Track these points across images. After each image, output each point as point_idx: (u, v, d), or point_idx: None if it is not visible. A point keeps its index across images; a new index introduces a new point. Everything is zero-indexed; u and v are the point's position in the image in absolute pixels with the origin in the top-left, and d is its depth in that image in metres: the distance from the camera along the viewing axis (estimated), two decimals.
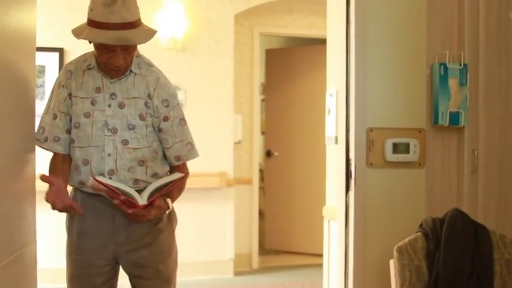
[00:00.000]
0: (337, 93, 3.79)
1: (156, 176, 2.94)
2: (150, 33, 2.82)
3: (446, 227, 3.22)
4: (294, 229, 8.17)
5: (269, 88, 8.52)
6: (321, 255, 4.46)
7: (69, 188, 2.93)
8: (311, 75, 7.87)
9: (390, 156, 3.51)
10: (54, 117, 2.89)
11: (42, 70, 5.50)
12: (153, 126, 2.92)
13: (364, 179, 3.50)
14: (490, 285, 3.20)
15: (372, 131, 3.49)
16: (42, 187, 2.77)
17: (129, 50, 2.77)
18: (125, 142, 2.86)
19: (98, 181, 2.67)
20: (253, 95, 7.51)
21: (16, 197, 2.53)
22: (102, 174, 2.84)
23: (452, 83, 3.55)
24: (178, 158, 3.00)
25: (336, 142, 3.79)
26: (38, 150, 2.84)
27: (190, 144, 3.03)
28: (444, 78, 3.53)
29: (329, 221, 4.14)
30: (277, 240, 8.31)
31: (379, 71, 3.54)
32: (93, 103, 2.85)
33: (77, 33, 2.78)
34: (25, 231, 2.63)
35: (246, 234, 7.35)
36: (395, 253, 3.20)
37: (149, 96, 2.89)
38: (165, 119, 2.93)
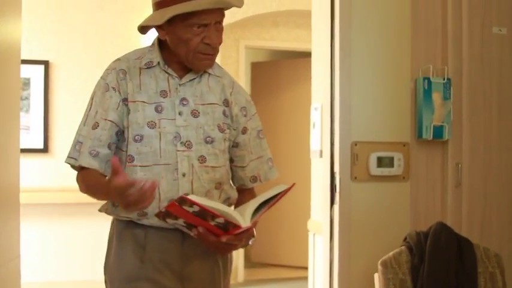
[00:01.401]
0: (322, 107, 3.80)
1: (227, 201, 2.42)
2: None
3: (431, 240, 3.23)
4: (280, 242, 8.17)
5: (255, 101, 8.43)
6: (306, 268, 4.46)
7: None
8: (296, 89, 7.90)
9: (375, 170, 3.52)
10: (95, 126, 2.30)
11: (27, 83, 5.48)
12: (229, 140, 2.42)
13: (349, 193, 3.51)
14: None
15: (356, 145, 3.51)
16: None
17: (221, 23, 2.29)
18: (202, 159, 2.31)
19: (179, 205, 2.05)
20: None
21: None
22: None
23: (436, 97, 3.57)
24: (254, 179, 2.49)
25: (321, 156, 3.80)
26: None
27: (271, 160, 2.54)
28: (428, 92, 3.55)
29: (314, 235, 4.14)
30: (263, 253, 8.30)
31: (363, 85, 3.55)
32: (158, 110, 2.29)
33: (157, 19, 2.26)
34: (9, 246, 2.61)
35: None
36: (379, 267, 3.20)
37: (226, 102, 2.40)
38: (244, 131, 2.44)
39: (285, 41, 7.41)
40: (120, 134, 2.32)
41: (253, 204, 2.17)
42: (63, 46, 5.38)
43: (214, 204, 2.10)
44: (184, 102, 2.32)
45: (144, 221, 2.28)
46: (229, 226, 2.08)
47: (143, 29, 2.33)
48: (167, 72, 2.33)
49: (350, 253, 3.51)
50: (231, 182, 2.46)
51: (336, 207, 3.52)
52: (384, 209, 3.56)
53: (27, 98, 5.56)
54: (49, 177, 5.31)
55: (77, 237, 5.35)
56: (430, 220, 3.48)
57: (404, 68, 3.61)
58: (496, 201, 3.72)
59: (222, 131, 2.35)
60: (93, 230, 5.28)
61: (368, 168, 3.52)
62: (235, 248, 2.23)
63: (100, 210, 2.41)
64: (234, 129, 2.41)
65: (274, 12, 6.53)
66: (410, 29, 3.62)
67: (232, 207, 2.42)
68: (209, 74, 2.38)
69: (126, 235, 2.32)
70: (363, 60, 3.56)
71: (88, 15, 5.42)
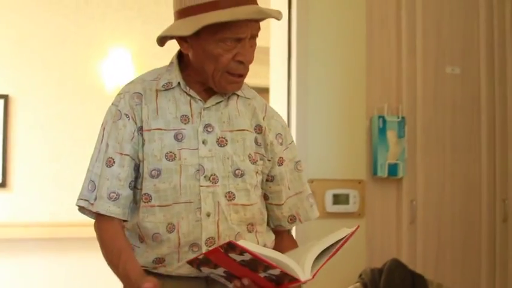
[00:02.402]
0: None
1: (265, 247, 1.96)
2: (273, 9, 1.99)
3: (385, 277, 3.27)
4: None
5: None
6: None
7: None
8: None
9: (330, 207, 3.55)
10: (110, 163, 1.94)
11: None
12: (263, 172, 2.04)
13: (305, 229, 3.53)
14: None
15: (312, 182, 3.54)
16: None
17: (255, 38, 1.95)
18: (230, 196, 1.94)
19: (224, 252, 1.67)
20: None
21: None
22: (195, 245, 1.92)
23: (391, 135, 3.63)
24: (293, 219, 2.11)
25: None
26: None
27: (311, 196, 2.15)
28: (383, 131, 3.61)
29: None
30: None
31: (319, 122, 3.60)
32: (178, 138, 1.93)
33: (186, 28, 1.88)
34: None
35: None
36: None
37: (259, 128, 2.02)
38: (280, 162, 2.05)
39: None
40: (136, 170, 1.97)
41: (313, 252, 1.76)
42: (23, 80, 5.36)
43: (268, 251, 1.72)
44: (209, 129, 1.95)
45: (161, 270, 1.95)
46: (284, 279, 1.70)
47: (162, 41, 1.99)
48: (189, 95, 1.97)
49: None
50: (266, 224, 2.09)
51: None
52: None
53: None
54: (7, 212, 5.26)
55: (37, 272, 5.29)
56: (385, 256, 3.52)
57: (359, 106, 3.66)
58: (450, 238, 3.78)
59: (253, 162, 1.98)
60: (57, 264, 5.24)
61: (324, 205, 3.55)
62: None
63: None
64: (269, 160, 2.03)
65: None
66: (365, 68, 3.68)
67: None
68: (238, 95, 2.03)
69: None
70: (319, 98, 3.61)
71: (49, 49, 5.41)
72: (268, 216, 2.09)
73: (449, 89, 3.82)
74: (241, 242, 1.64)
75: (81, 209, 1.98)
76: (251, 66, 1.96)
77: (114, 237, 1.93)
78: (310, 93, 3.60)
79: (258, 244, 1.96)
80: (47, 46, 5.45)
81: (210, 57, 1.89)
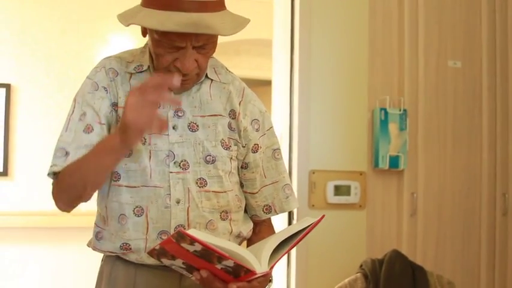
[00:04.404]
0: (281, 135, 3.85)
1: (240, 236, 1.99)
2: (240, 22, 1.80)
3: (385, 268, 3.29)
4: None
5: None
6: None
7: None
8: None
9: (332, 198, 3.57)
10: (89, 130, 1.85)
11: None
12: (237, 159, 1.98)
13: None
14: None
15: (314, 173, 3.56)
16: None
17: (205, 48, 1.80)
18: (202, 182, 1.88)
19: (176, 242, 1.56)
20: None
21: None
22: (164, 232, 1.84)
23: (392, 127, 3.64)
24: (268, 209, 2.03)
25: None
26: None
27: (288, 187, 2.05)
28: (384, 123, 3.63)
29: None
30: None
31: (321, 115, 3.62)
32: None
33: (127, 17, 1.80)
34: None
35: None
36: None
37: (233, 113, 1.95)
38: (255, 149, 1.98)
39: (247, 69, 7.45)
40: None
41: (272, 242, 1.67)
42: (25, 70, 5.37)
43: (221, 242, 1.59)
44: (180, 114, 1.89)
45: (131, 257, 1.87)
46: (240, 270, 1.61)
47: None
48: None
49: (307, 279, 3.55)
50: (244, 213, 2.03)
51: None
52: (340, 236, 3.61)
53: None
54: (8, 201, 5.27)
55: (38, 262, 5.31)
56: (386, 248, 3.54)
57: (361, 98, 3.68)
58: (450, 230, 3.79)
59: (226, 147, 1.91)
60: (57, 253, 5.26)
61: (325, 196, 3.57)
62: None
63: (88, 245, 2.00)
64: (243, 146, 1.95)
65: (237, 40, 6.57)
66: (367, 61, 3.70)
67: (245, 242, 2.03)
68: (212, 80, 1.96)
69: (115, 276, 1.88)
70: (322, 90, 3.63)
71: (50, 39, 5.42)
72: (246, 204, 2.02)
73: (450, 83, 3.83)
74: (190, 231, 1.53)
75: (53, 176, 1.87)
76: (253, 59, 1.94)
77: (78, 160, 1.81)
78: (312, 86, 3.61)
79: (232, 233, 1.93)
80: (49, 35, 5.46)
81: (153, 52, 1.83)
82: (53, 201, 1.89)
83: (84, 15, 5.52)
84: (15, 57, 5.39)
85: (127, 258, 1.87)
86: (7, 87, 5.34)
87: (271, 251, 1.65)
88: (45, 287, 5.30)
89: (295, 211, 3.51)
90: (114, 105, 1.88)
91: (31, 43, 5.42)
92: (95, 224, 1.96)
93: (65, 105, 5.40)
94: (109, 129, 1.88)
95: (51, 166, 1.85)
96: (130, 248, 1.85)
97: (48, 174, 1.87)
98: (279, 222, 3.60)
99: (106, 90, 1.89)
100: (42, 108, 5.41)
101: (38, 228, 5.24)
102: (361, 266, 3.38)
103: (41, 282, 5.31)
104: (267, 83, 6.42)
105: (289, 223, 3.55)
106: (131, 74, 1.91)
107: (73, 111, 1.89)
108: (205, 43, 1.78)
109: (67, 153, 1.82)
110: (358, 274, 3.32)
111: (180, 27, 1.66)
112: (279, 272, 3.72)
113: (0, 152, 5.32)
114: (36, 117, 5.40)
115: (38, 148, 5.31)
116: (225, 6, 1.81)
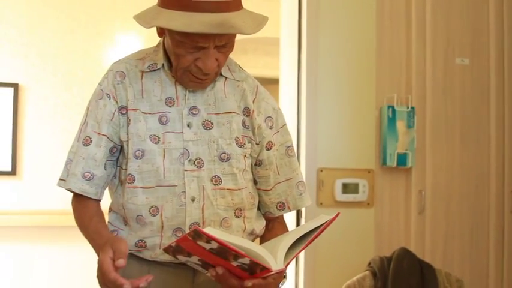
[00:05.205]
0: None
1: (253, 234, 2.00)
2: (260, 20, 1.82)
3: (394, 265, 3.29)
4: None
5: None
6: None
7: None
8: None
9: (340, 196, 3.57)
10: (87, 142, 1.91)
11: None
12: (251, 156, 1.98)
13: (313, 218, 3.54)
14: None
15: (322, 171, 3.56)
16: None
17: (226, 47, 1.82)
18: (217, 180, 1.89)
19: (192, 240, 1.57)
20: None
21: None
22: (179, 230, 1.87)
23: (400, 125, 3.64)
24: (282, 206, 2.05)
25: None
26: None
27: (302, 184, 2.07)
28: (392, 121, 3.62)
29: None
30: None
31: (329, 113, 3.62)
32: (163, 121, 1.88)
33: (147, 19, 1.77)
34: None
35: None
36: None
37: (247, 111, 1.95)
38: (269, 146, 1.98)
39: (254, 67, 7.44)
40: (117, 151, 1.94)
41: (287, 240, 1.68)
42: (32, 69, 5.38)
43: (237, 240, 1.60)
44: (195, 112, 1.89)
45: (146, 254, 1.90)
46: (256, 268, 1.61)
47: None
48: (174, 77, 1.90)
49: (315, 278, 3.55)
50: (257, 210, 2.04)
51: None
52: (348, 234, 3.61)
53: None
54: (17, 199, 5.29)
55: (46, 260, 5.33)
56: (394, 245, 3.54)
57: (369, 96, 3.68)
58: (458, 228, 3.79)
59: (241, 145, 1.91)
60: (65, 252, 5.27)
61: (333, 194, 3.57)
62: None
63: None
64: (257, 144, 1.96)
65: (244, 39, 6.58)
66: (375, 59, 3.69)
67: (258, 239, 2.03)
68: (226, 78, 1.97)
69: (128, 273, 1.79)
70: (329, 89, 3.63)
71: (58, 37, 5.43)
72: (259, 202, 2.04)
73: (458, 80, 3.82)
74: (207, 229, 1.53)
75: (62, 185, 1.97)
76: (260, 57, 1.95)
77: (87, 209, 1.92)
78: (320, 84, 3.61)
79: (245, 230, 1.95)
80: (56, 35, 5.47)
81: (173, 52, 1.82)
82: (60, 200, 1.90)
83: (91, 15, 5.53)
84: (22, 57, 5.40)
85: (141, 256, 1.90)
86: (15, 86, 5.36)
87: (287, 249, 1.65)
88: (54, 286, 5.32)
89: (303, 209, 3.50)
90: (123, 108, 1.90)
91: (39, 43, 5.43)
92: (109, 223, 1.97)
93: (72, 105, 5.44)
94: (116, 133, 1.92)
95: (59, 179, 1.95)
96: (146, 245, 1.88)
97: (57, 185, 1.96)
98: (287, 219, 3.60)
99: (109, 97, 1.91)
100: (49, 108, 5.42)
101: (46, 227, 5.25)
102: (369, 263, 3.38)
103: (49, 281, 5.32)
104: (275, 82, 6.42)
105: (297, 220, 3.55)
106: (143, 72, 1.92)
107: (84, 121, 1.95)
108: (227, 42, 1.80)
109: (69, 166, 1.93)
110: (367, 272, 3.32)
111: (206, 28, 1.67)
112: (288, 269, 3.72)
113: (9, 152, 5.33)
114: (44, 117, 5.41)
115: (46, 147, 5.32)
116: (242, 5, 1.82)
